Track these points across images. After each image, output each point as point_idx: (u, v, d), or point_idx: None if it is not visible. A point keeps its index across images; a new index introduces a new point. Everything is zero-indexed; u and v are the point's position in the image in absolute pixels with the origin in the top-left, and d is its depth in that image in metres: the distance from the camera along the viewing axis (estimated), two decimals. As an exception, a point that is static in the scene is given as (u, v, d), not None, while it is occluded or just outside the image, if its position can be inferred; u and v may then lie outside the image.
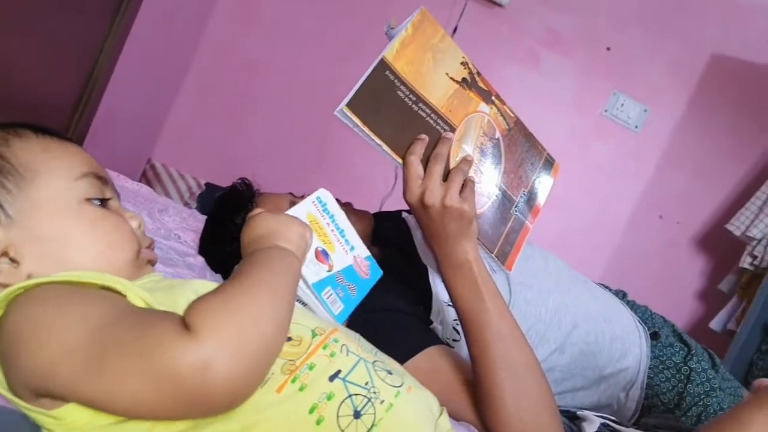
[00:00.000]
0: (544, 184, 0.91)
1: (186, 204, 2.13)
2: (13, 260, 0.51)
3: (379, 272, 0.77)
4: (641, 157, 2.25)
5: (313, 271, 0.65)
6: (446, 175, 0.74)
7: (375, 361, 0.54)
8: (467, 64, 0.80)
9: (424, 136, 0.73)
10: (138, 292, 0.48)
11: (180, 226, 1.11)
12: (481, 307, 0.74)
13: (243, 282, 0.45)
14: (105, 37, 1.62)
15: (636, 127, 2.23)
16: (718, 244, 2.20)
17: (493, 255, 0.81)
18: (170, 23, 2.00)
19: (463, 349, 0.84)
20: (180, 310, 0.42)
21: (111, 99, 1.74)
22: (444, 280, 0.77)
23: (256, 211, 0.60)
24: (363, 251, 0.76)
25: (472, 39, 2.17)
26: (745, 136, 2.20)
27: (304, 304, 0.65)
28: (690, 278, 2.28)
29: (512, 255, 0.84)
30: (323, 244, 0.69)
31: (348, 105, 0.67)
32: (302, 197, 1.09)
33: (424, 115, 0.74)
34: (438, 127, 0.76)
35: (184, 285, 0.53)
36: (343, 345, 0.54)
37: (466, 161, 0.77)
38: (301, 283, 0.62)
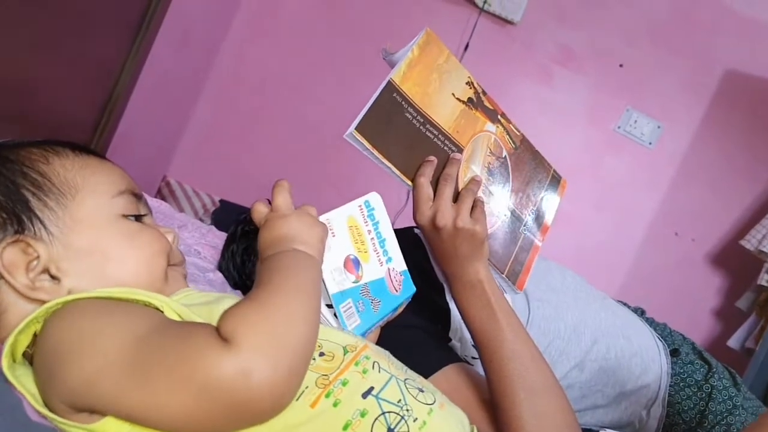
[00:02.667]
0: (551, 201, 0.91)
1: (200, 221, 2.15)
2: (54, 277, 0.52)
3: (412, 288, 0.75)
4: (655, 174, 2.25)
5: (336, 280, 0.64)
6: (456, 196, 0.74)
7: (406, 379, 0.54)
8: (473, 83, 0.81)
9: (433, 158, 0.74)
10: (175, 308, 0.49)
11: (199, 242, 1.12)
12: (495, 327, 0.73)
13: (270, 286, 0.46)
14: (125, 59, 1.66)
15: (650, 143, 2.22)
16: (735, 261, 2.18)
17: (503, 275, 0.81)
18: (187, 45, 2.04)
19: (481, 367, 0.83)
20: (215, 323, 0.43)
21: (130, 118, 1.77)
22: (456, 301, 0.77)
23: (267, 209, 0.59)
24: (400, 264, 0.73)
25: (484, 56, 2.19)
26: (760, 152, 2.19)
27: None
28: (707, 295, 2.25)
29: (523, 275, 0.84)
30: (357, 252, 0.67)
31: (357, 128, 0.68)
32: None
33: (431, 136, 0.75)
34: (446, 148, 0.76)
35: (220, 300, 0.54)
36: (375, 362, 0.54)
37: (475, 182, 0.77)
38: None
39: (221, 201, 2.25)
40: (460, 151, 0.77)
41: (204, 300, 0.55)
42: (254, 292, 0.45)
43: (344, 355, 0.53)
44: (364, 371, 0.52)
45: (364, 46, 2.25)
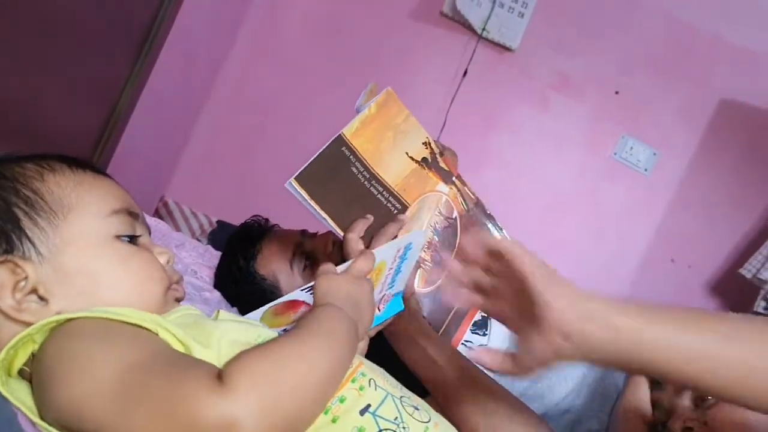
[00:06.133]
0: None
1: (197, 242, 2.15)
2: (42, 298, 0.51)
3: (400, 306, 0.75)
4: (652, 200, 2.26)
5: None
6: None
7: (402, 396, 0.54)
8: (429, 144, 0.82)
9: (369, 216, 0.75)
10: (171, 329, 0.48)
11: (196, 261, 1.12)
12: (438, 373, 0.75)
13: (295, 343, 0.44)
14: (127, 78, 1.67)
15: (646, 170, 2.24)
16: (731, 288, 2.18)
17: (439, 335, 0.82)
18: (188, 66, 2.06)
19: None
20: (213, 347, 0.42)
21: (129, 138, 1.78)
22: (398, 353, 0.79)
23: (325, 267, 0.59)
24: (398, 287, 0.73)
25: (481, 82, 2.22)
26: (755, 179, 2.20)
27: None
28: (704, 322, 2.25)
29: (457, 335, 0.86)
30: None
31: (296, 178, 0.69)
32: (315, 234, 1.10)
33: (375, 192, 0.76)
34: (389, 204, 0.77)
35: (217, 322, 0.53)
36: (371, 379, 0.54)
37: None
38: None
39: (219, 222, 2.25)
40: (405, 208, 0.78)
41: (197, 319, 0.54)
42: (277, 343, 0.44)
43: None
44: (361, 388, 0.52)
45: (365, 71, 2.27)
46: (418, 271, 0.78)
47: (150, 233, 0.61)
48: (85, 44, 1.46)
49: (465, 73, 2.22)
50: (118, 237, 0.55)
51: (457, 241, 0.83)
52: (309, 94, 2.33)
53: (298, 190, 0.70)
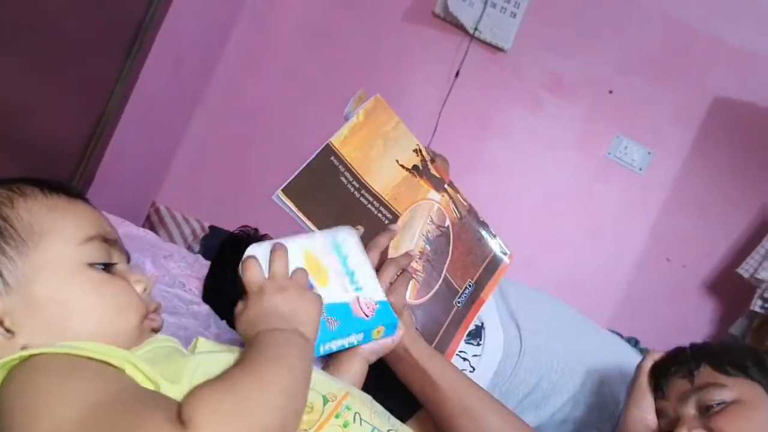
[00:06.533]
0: (494, 273, 0.88)
1: (189, 247, 2.13)
2: (8, 330, 0.49)
3: (394, 319, 0.71)
4: (646, 200, 2.25)
5: None
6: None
7: (389, 430, 0.52)
8: (420, 151, 0.80)
9: (360, 227, 0.73)
10: (139, 365, 0.46)
11: (185, 273, 1.10)
12: (431, 389, 0.73)
13: (251, 371, 0.42)
14: (114, 84, 1.65)
15: (640, 169, 2.23)
16: (727, 286, 2.18)
17: (431, 347, 0.80)
18: (178, 70, 2.03)
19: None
20: (183, 381, 0.40)
21: (118, 144, 1.75)
22: (397, 373, 0.77)
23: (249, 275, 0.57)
24: (376, 295, 0.70)
25: (474, 83, 2.20)
26: (750, 177, 2.20)
27: None
28: (700, 322, 2.24)
29: (451, 346, 0.83)
30: (312, 278, 0.64)
31: (284, 190, 0.68)
32: None
33: (365, 202, 0.74)
34: (380, 214, 0.75)
35: (191, 359, 0.50)
36: (356, 413, 0.52)
37: (408, 255, 0.76)
38: None
39: (211, 227, 2.23)
40: (396, 218, 0.76)
41: (170, 353, 0.52)
42: (230, 374, 0.42)
43: (324, 405, 0.51)
44: (345, 424, 0.50)
45: (357, 75, 2.26)
46: (410, 282, 0.76)
47: (129, 260, 0.59)
48: (69, 49, 1.44)
49: (457, 74, 2.20)
50: (92, 265, 0.53)
51: (450, 249, 0.82)
52: (300, 97, 2.31)
53: (286, 202, 0.69)
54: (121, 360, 0.46)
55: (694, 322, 2.24)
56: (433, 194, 0.81)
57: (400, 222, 0.76)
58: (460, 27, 2.19)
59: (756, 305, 1.98)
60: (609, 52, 2.22)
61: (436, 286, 0.80)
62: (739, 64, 2.18)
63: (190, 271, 1.12)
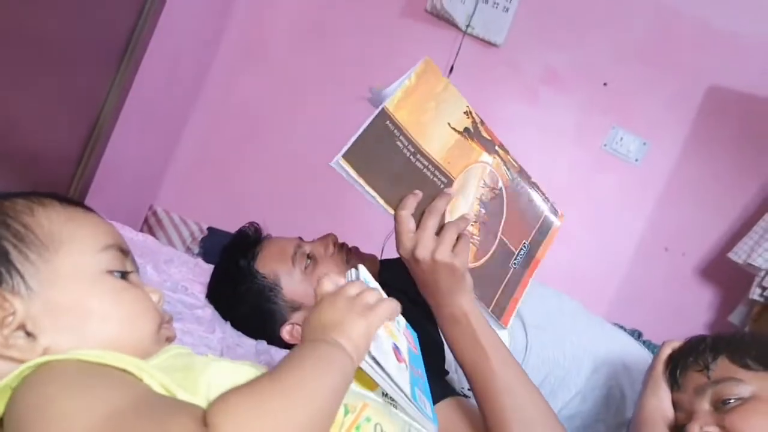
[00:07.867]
0: (546, 235, 0.89)
1: (188, 249, 2.12)
2: (29, 334, 0.49)
3: (415, 334, 0.69)
4: (643, 190, 2.25)
5: (403, 378, 0.55)
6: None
7: None
8: (471, 113, 0.79)
9: (418, 192, 0.72)
10: (155, 375, 0.46)
11: (186, 277, 1.09)
12: (483, 361, 0.72)
13: (279, 382, 0.42)
14: (109, 88, 1.64)
15: (636, 160, 2.23)
16: (726, 275, 2.18)
17: (489, 310, 0.79)
18: (173, 71, 2.02)
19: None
20: (200, 394, 0.40)
21: (114, 148, 1.74)
22: (443, 334, 0.76)
23: (326, 282, 0.56)
24: (402, 319, 0.66)
25: (468, 78, 2.19)
26: (745, 165, 2.20)
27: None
28: (700, 310, 2.25)
29: (509, 310, 0.82)
30: (391, 336, 0.58)
31: (344, 156, 0.66)
32: (312, 242, 1.08)
33: (421, 166, 0.73)
34: (435, 179, 0.74)
35: (205, 367, 0.50)
36: (377, 424, 0.52)
37: (464, 219, 0.76)
38: (397, 391, 0.53)
39: (209, 229, 2.23)
40: (451, 182, 0.76)
41: (187, 363, 0.52)
42: (260, 382, 0.42)
43: (344, 416, 0.51)
44: None
45: (352, 73, 2.25)
46: (468, 246, 0.75)
47: (138, 271, 0.59)
48: (62, 54, 1.43)
49: (451, 69, 2.19)
50: (110, 272, 0.54)
51: (504, 211, 0.81)
52: (296, 96, 2.30)
53: (346, 168, 0.66)
54: (138, 369, 0.46)
55: (693, 311, 2.25)
56: (485, 156, 0.80)
57: (455, 185, 0.75)
58: (453, 23, 2.18)
59: (755, 294, 1.98)
60: (602, 43, 2.22)
61: (492, 249, 0.80)
62: (732, 53, 2.18)
63: (192, 274, 1.12)
